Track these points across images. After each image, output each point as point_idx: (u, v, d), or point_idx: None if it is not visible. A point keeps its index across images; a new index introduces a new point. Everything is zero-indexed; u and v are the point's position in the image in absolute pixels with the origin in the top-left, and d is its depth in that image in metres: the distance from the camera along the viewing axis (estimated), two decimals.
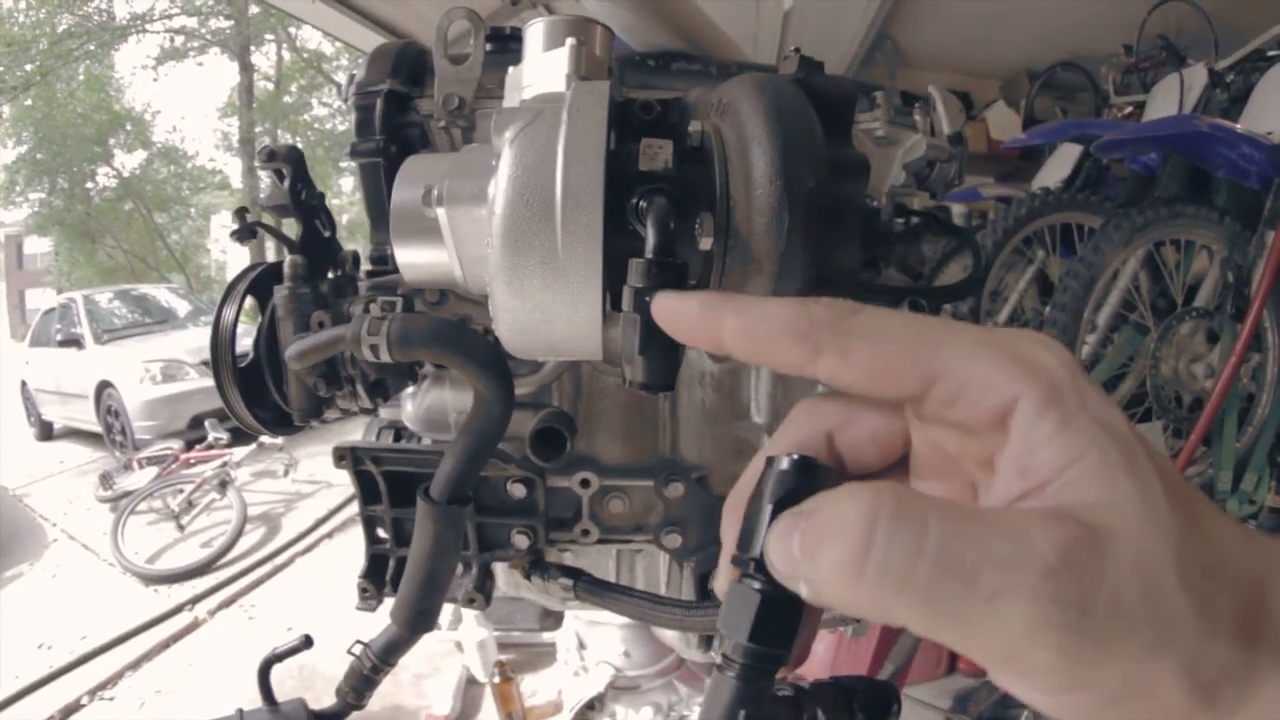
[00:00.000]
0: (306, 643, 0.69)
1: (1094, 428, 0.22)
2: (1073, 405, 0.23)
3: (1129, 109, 3.54)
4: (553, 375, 0.65)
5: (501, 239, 0.36)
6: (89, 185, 15.68)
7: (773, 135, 0.38)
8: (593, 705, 2.39)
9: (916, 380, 0.24)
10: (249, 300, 0.73)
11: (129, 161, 16.19)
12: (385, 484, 0.69)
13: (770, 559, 0.24)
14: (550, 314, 0.36)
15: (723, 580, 0.28)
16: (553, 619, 2.63)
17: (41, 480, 6.39)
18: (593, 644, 2.35)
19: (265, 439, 4.90)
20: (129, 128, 15.70)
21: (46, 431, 7.91)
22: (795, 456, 0.25)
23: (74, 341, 6.97)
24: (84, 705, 3.06)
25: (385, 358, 0.49)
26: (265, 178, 0.77)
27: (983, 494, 0.26)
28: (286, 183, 0.71)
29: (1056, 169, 3.07)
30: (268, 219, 0.77)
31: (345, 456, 0.68)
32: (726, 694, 0.25)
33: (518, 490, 0.67)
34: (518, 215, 0.36)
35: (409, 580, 0.58)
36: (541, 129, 0.39)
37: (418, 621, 0.60)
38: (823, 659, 1.88)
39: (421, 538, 0.55)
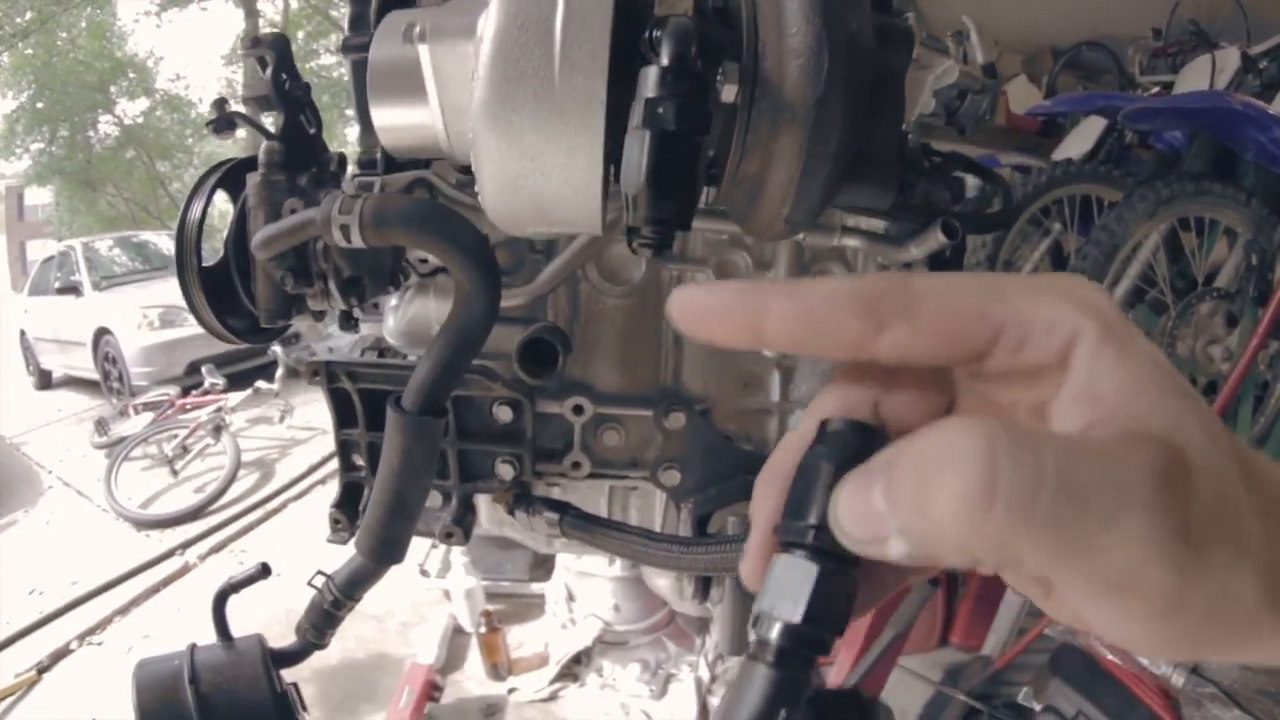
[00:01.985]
0: (263, 571, 0.64)
1: (1149, 360, 0.23)
2: (1126, 338, 0.23)
3: (1156, 89, 3.42)
4: (547, 286, 0.60)
5: (490, 67, 0.30)
6: (90, 134, 15.46)
7: None
8: (579, 659, 2.37)
9: (987, 332, 0.24)
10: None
11: (131, 109, 15.96)
12: (361, 404, 0.64)
13: (839, 521, 0.22)
14: (543, 162, 0.31)
15: (753, 562, 0.25)
16: (543, 570, 2.62)
17: (39, 428, 6.37)
18: (582, 596, 2.32)
19: (261, 384, 4.86)
20: (131, 75, 15.43)
21: (45, 380, 7.87)
22: (852, 419, 0.24)
23: (72, 289, 6.89)
24: (73, 650, 3.06)
25: (357, 241, 0.43)
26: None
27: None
28: (269, 71, 0.66)
29: (1078, 142, 2.97)
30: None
31: (319, 371, 0.63)
32: (762, 686, 0.22)
33: (504, 413, 0.62)
34: (510, 39, 0.30)
35: (375, 504, 0.53)
36: None
37: (383, 551, 0.55)
38: None
39: (390, 454, 0.50)
